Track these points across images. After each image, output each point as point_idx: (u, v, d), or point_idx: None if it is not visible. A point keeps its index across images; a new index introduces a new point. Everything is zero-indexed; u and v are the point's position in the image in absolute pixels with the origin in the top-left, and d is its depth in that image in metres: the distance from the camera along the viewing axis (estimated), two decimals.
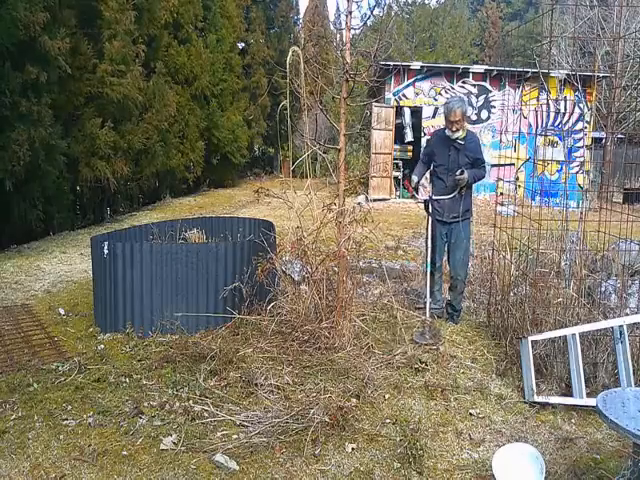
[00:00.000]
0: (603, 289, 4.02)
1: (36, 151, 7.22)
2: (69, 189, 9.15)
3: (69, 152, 8.51)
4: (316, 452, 2.66)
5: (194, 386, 3.29)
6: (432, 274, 4.54)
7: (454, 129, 4.35)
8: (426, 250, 4.58)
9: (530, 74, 13.59)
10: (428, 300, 4.36)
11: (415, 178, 4.61)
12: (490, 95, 14.99)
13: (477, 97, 14.99)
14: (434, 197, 4.48)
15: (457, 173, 4.33)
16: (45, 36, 7.18)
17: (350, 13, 3.76)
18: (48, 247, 7.66)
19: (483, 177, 4.52)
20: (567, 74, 13.10)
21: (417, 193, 4.89)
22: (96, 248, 4.43)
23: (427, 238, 4.52)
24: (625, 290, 3.97)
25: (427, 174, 4.81)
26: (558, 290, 3.86)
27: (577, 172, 14.43)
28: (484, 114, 15.03)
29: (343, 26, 3.81)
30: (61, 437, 2.77)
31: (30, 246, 7.74)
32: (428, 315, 4.25)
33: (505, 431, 2.93)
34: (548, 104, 12.95)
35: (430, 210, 4.52)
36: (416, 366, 3.62)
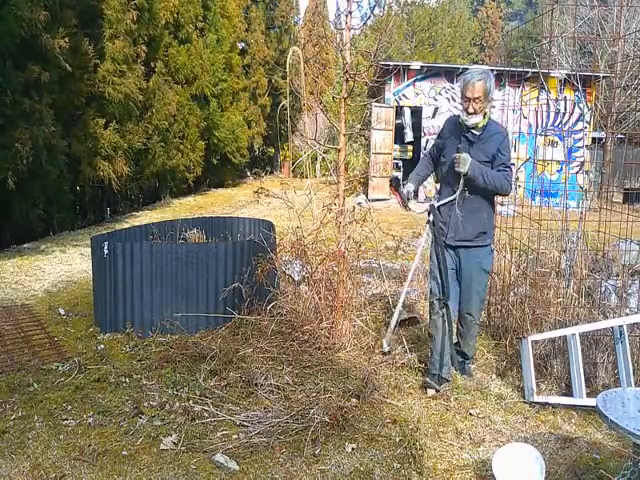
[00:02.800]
0: (603, 289, 4.02)
1: (38, 150, 7.22)
2: (69, 189, 9.15)
3: (70, 152, 8.51)
4: (316, 452, 2.66)
5: (194, 386, 3.29)
6: (436, 316, 3.33)
7: (470, 110, 3.16)
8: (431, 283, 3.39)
9: (530, 74, 13.58)
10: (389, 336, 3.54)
11: (411, 186, 3.46)
12: None
13: None
14: (437, 204, 3.35)
15: (454, 155, 3.21)
16: (46, 35, 7.18)
17: (350, 13, 3.76)
18: (48, 247, 7.66)
19: (503, 187, 3.20)
20: (567, 74, 13.10)
21: (407, 206, 3.52)
22: (96, 248, 4.43)
23: (431, 268, 3.37)
24: (625, 290, 3.97)
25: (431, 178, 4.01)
26: (558, 290, 3.86)
27: (577, 172, 14.44)
28: None
29: (343, 26, 3.82)
30: (61, 437, 2.77)
31: (30, 246, 7.73)
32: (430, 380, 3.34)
33: (505, 431, 2.93)
34: (548, 104, 12.94)
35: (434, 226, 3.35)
36: (416, 366, 3.62)
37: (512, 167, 3.26)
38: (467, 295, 3.38)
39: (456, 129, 3.34)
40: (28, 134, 6.94)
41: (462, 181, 3.22)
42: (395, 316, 3.56)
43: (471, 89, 3.14)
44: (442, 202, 3.33)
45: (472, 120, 3.19)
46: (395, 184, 3.54)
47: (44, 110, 7.29)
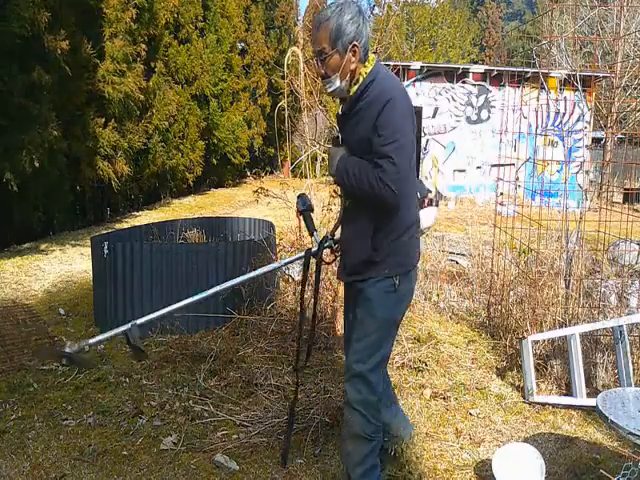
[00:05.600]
0: (603, 289, 4.02)
1: (41, 152, 7.22)
2: (69, 189, 9.14)
3: (70, 152, 8.51)
4: (316, 452, 2.66)
5: (194, 386, 3.29)
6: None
7: (322, 72, 2.05)
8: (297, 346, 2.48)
9: (530, 74, 13.59)
10: None
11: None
12: (490, 95, 15.00)
13: (477, 97, 14.99)
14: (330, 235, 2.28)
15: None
16: (49, 36, 7.19)
17: None
18: (48, 247, 7.66)
19: (373, 189, 1.93)
20: (567, 74, 13.10)
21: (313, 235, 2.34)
22: (96, 248, 4.43)
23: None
24: (625, 290, 3.97)
25: None
26: (558, 290, 3.86)
27: (577, 172, 14.44)
28: (484, 114, 15.04)
29: None
30: (61, 437, 2.77)
31: (30, 246, 7.74)
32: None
33: (505, 431, 2.93)
34: (548, 104, 12.96)
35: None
36: (416, 366, 3.62)
37: (398, 155, 1.90)
38: (345, 353, 2.26)
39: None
40: (39, 138, 6.94)
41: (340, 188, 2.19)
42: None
43: (313, 41, 2.06)
44: (338, 229, 2.26)
45: (328, 88, 2.08)
46: (301, 206, 2.36)
47: (47, 114, 7.28)
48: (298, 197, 2.41)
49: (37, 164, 6.95)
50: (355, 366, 2.12)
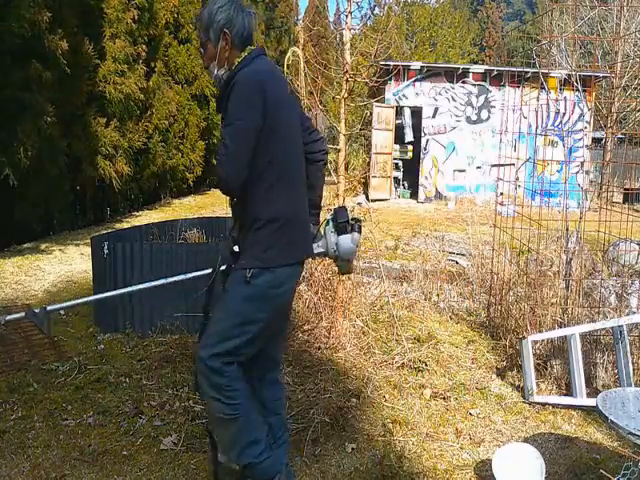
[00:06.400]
0: (603, 289, 4.02)
1: (39, 147, 7.21)
2: (69, 189, 9.14)
3: (70, 151, 8.51)
4: (316, 452, 2.66)
5: (194, 386, 3.29)
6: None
7: (204, 62, 2.13)
8: None
9: (530, 74, 13.59)
10: None
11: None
12: (490, 95, 15.00)
13: (477, 97, 15.00)
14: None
15: None
16: (50, 36, 7.19)
17: (350, 13, 3.76)
18: (48, 247, 7.66)
19: (217, 169, 2.02)
20: (567, 74, 13.10)
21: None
22: (96, 248, 4.43)
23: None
24: (625, 290, 3.97)
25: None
26: (558, 290, 3.86)
27: (577, 172, 14.44)
28: (484, 114, 15.04)
29: (343, 26, 3.82)
30: (61, 437, 2.77)
31: (30, 246, 7.73)
32: None
33: (505, 431, 2.93)
34: (548, 104, 12.95)
35: None
36: (416, 366, 3.62)
37: (231, 137, 1.94)
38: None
39: None
40: (31, 126, 6.92)
41: None
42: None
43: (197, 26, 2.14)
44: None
45: (210, 78, 2.23)
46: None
47: (43, 105, 7.27)
48: None
49: (30, 152, 6.92)
50: (199, 350, 2.06)
